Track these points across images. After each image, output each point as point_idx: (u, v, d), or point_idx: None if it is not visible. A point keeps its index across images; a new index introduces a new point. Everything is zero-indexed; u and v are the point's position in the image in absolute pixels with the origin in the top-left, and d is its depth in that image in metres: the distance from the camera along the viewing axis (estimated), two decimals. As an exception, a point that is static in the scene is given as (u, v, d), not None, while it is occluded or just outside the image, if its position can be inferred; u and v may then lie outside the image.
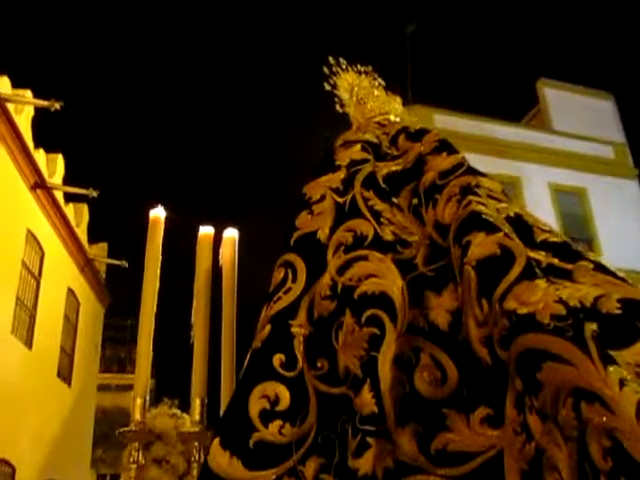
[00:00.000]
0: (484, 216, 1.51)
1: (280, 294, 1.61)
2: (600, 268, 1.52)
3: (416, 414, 1.40)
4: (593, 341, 1.17)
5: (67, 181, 13.55)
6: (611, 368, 1.12)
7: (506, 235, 1.45)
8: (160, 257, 1.94)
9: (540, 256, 1.56)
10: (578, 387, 1.13)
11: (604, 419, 1.06)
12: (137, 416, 1.62)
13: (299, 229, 1.73)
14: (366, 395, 1.39)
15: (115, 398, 14.19)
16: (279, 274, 1.65)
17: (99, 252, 15.63)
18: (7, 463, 10.81)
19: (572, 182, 15.10)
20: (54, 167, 12.97)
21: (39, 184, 12.40)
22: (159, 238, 1.96)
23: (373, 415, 1.37)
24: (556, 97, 16.08)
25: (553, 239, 1.61)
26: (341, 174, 1.81)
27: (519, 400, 1.30)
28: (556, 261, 1.55)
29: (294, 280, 1.63)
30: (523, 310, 1.28)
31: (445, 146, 1.85)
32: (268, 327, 1.56)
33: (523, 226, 1.63)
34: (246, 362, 1.56)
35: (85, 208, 14.99)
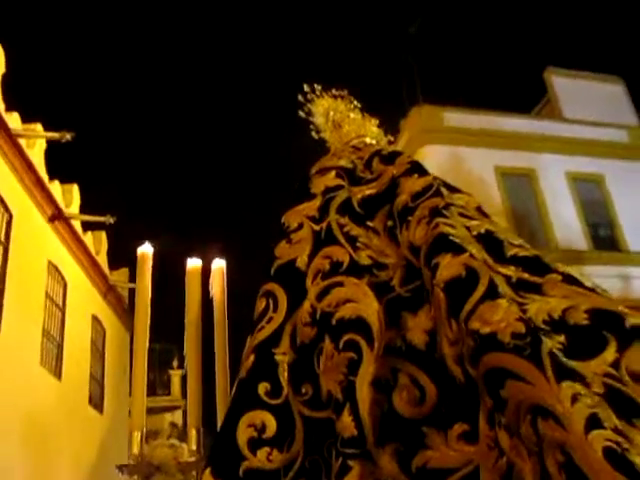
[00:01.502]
0: (451, 237, 1.57)
1: (263, 323, 1.68)
2: (569, 279, 1.57)
3: (396, 434, 1.46)
4: (549, 358, 1.23)
5: (84, 209, 13.81)
6: (564, 384, 1.18)
7: (471, 256, 1.50)
8: (149, 293, 2.03)
9: (510, 271, 1.61)
10: (535, 404, 1.18)
11: (556, 434, 1.11)
12: (135, 450, 1.71)
13: (278, 258, 1.80)
14: (346, 419, 1.45)
15: (148, 421, 14.37)
16: (261, 304, 1.72)
17: (121, 277, 15.87)
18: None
19: (589, 169, 14.96)
20: (70, 197, 13.23)
21: (57, 215, 12.66)
22: (148, 274, 2.05)
23: (353, 438, 1.43)
24: (565, 85, 15.96)
25: (523, 253, 1.67)
26: (317, 202, 1.88)
27: (490, 416, 1.36)
28: (526, 275, 1.60)
29: (275, 309, 1.70)
30: (486, 330, 1.34)
31: (416, 168, 1.91)
32: (252, 357, 1.63)
33: (494, 242, 1.69)
34: (233, 392, 1.63)
35: (103, 235, 15.24)
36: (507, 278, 1.59)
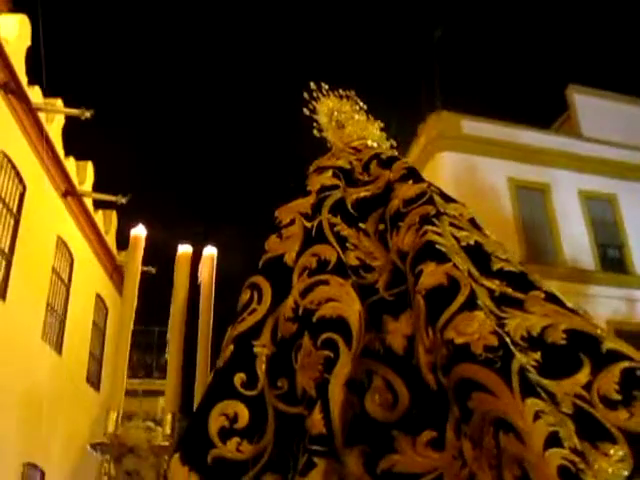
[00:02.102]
0: (437, 246, 1.58)
1: (245, 315, 1.69)
2: (551, 298, 1.58)
3: (365, 435, 1.47)
4: (517, 374, 1.24)
5: (96, 188, 13.90)
6: (529, 401, 1.19)
7: (454, 266, 1.51)
8: (139, 275, 2.06)
9: (494, 285, 1.62)
10: (498, 417, 1.19)
11: (515, 449, 1.12)
12: (110, 429, 1.73)
13: (267, 252, 1.81)
14: (316, 416, 1.46)
15: (143, 403, 14.47)
16: (245, 295, 1.73)
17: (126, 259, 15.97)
18: (37, 467, 11.13)
19: (602, 188, 14.87)
20: (84, 175, 13.34)
21: (69, 191, 12.77)
22: (139, 256, 2.08)
23: (321, 436, 1.44)
24: (586, 103, 15.85)
25: (509, 268, 1.67)
26: (311, 199, 1.89)
27: (457, 426, 1.37)
28: (510, 290, 1.61)
29: (259, 302, 1.71)
30: (460, 340, 1.35)
31: (412, 174, 1.91)
32: (231, 347, 1.64)
33: (481, 254, 1.70)
34: (209, 381, 1.65)
35: (114, 215, 15.35)
36: (490, 291, 1.60)
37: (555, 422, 1.19)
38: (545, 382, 1.37)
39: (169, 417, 1.81)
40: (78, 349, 13.17)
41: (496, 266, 1.67)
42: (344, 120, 2.48)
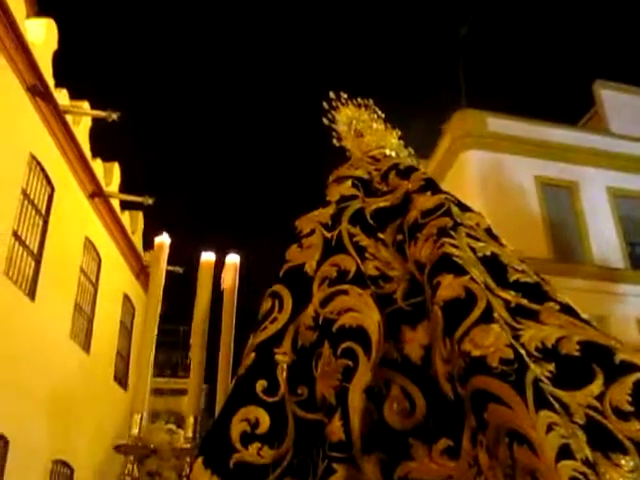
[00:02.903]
0: (454, 259, 1.61)
1: (266, 323, 1.75)
2: (566, 309, 1.61)
3: (382, 443, 1.52)
4: (532, 386, 1.28)
5: (123, 189, 14.11)
6: (542, 413, 1.22)
7: (472, 279, 1.55)
8: (162, 279, 2.13)
9: (510, 296, 1.65)
10: (512, 429, 1.23)
11: (528, 460, 1.16)
12: (134, 431, 1.81)
13: (288, 261, 1.86)
14: (336, 423, 1.51)
15: (168, 402, 14.69)
16: (267, 304, 1.79)
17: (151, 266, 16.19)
18: (66, 465, 11.37)
19: (632, 186, 14.65)
20: (110, 176, 13.57)
21: (96, 193, 12.99)
22: (163, 262, 2.16)
23: (340, 442, 1.49)
24: (613, 99, 15.62)
25: (525, 279, 1.70)
26: (330, 209, 1.94)
27: (473, 435, 1.41)
28: (525, 302, 1.64)
29: (280, 310, 1.77)
30: (476, 353, 1.39)
31: (430, 185, 1.95)
32: (253, 355, 1.70)
33: (498, 266, 1.73)
34: (231, 387, 1.71)
35: (140, 215, 15.57)
36: (506, 302, 1.63)
37: (567, 434, 1.22)
38: (559, 393, 1.40)
39: (191, 420, 1.88)
40: (106, 348, 13.40)
41: (512, 277, 1.70)
42: (363, 129, 2.52)
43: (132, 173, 14.95)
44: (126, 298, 15.13)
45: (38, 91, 9.93)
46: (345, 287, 1.73)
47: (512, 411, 1.28)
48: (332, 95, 2.56)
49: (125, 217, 14.73)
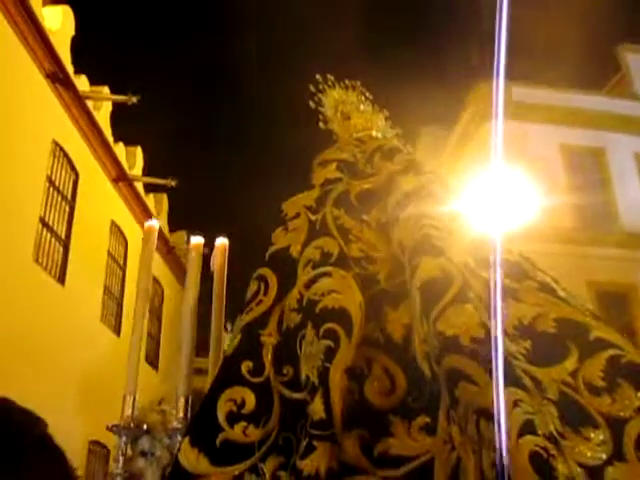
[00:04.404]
0: (433, 240, 1.64)
1: (252, 305, 1.80)
2: (544, 287, 1.62)
3: (363, 420, 1.56)
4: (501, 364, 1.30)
5: (146, 172, 14.27)
6: (508, 390, 1.25)
7: (449, 259, 1.57)
8: (151, 266, 2.19)
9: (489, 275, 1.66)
10: (480, 406, 1.26)
11: (493, 436, 1.19)
12: (127, 412, 1.88)
13: (274, 244, 1.90)
14: (317, 402, 1.56)
15: (195, 381, 15.04)
16: (253, 287, 1.84)
17: (178, 240, 16.41)
18: (102, 445, 11.72)
19: (661, 151, 14.29)
20: (133, 159, 13.72)
21: (120, 177, 13.16)
22: (152, 247, 2.22)
23: (321, 421, 1.54)
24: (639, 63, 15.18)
25: (507, 257, 1.71)
26: (315, 193, 1.97)
27: (448, 412, 1.44)
28: (507, 281, 1.65)
29: (265, 293, 1.81)
30: (449, 332, 1.42)
31: (413, 167, 1.96)
32: (239, 336, 1.75)
33: (481, 246, 1.74)
34: (218, 369, 1.76)
35: (164, 198, 15.74)
36: (485, 281, 1.64)
37: (533, 410, 1.24)
38: (532, 370, 1.42)
39: (182, 401, 1.95)
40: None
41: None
42: (349, 111, 2.52)
43: (155, 156, 15.07)
44: (154, 280, 15.38)
45: (58, 78, 10.05)
46: (328, 269, 1.77)
47: (480, 389, 1.31)
48: (319, 77, 2.57)
49: (150, 200, 14.92)
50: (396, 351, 1.66)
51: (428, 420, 1.50)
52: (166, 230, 15.87)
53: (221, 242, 2.32)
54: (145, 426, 1.89)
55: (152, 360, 14.73)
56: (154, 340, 15.06)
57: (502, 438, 1.17)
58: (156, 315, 15.45)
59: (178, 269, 16.74)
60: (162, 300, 15.89)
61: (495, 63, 0.94)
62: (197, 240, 2.28)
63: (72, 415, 10.04)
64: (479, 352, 1.35)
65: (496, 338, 1.38)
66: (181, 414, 1.92)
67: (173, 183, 13.85)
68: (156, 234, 2.27)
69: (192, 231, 2.28)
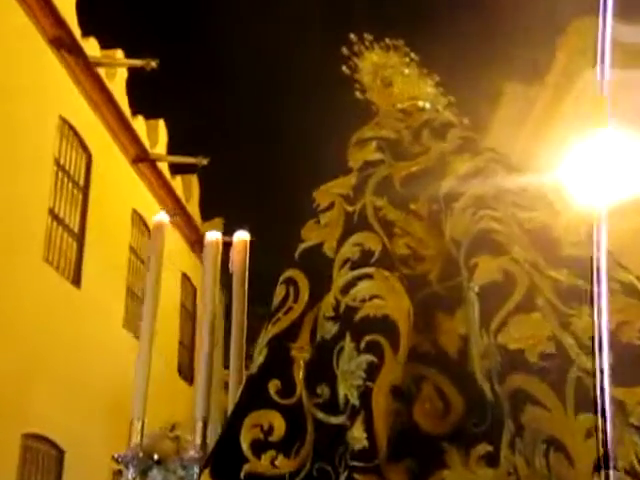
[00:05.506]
0: (493, 235, 1.65)
1: (280, 315, 1.85)
2: (628, 290, 1.61)
3: (412, 449, 1.60)
4: (574, 385, 1.32)
5: (172, 150, 14.42)
6: (582, 417, 1.27)
7: (512, 259, 1.59)
8: (162, 263, 2.28)
9: (562, 275, 1.67)
10: (550, 435, 1.30)
11: (563, 470, 1.22)
12: (134, 439, 1.97)
13: (304, 241, 1.95)
14: (358, 428, 1.61)
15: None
16: (280, 292, 1.89)
17: (214, 229, 16.61)
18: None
19: None
20: (155, 136, 13.91)
21: (141, 156, 13.36)
22: (162, 243, 2.30)
23: (364, 450, 1.59)
24: None
25: (579, 253, 1.71)
26: (352, 179, 2.00)
27: (512, 440, 1.47)
28: (581, 282, 1.65)
29: (296, 299, 1.87)
30: (513, 346, 1.45)
31: (469, 146, 1.97)
32: (265, 351, 1.81)
33: (548, 239, 1.75)
34: (241, 389, 1.83)
35: (194, 179, 15.96)
36: (557, 284, 1.65)
37: (613, 440, 1.26)
38: (614, 389, 1.43)
39: (200, 425, 2.02)
40: (166, 337, 13.93)
41: (566, 251, 1.72)
42: (391, 77, 2.52)
43: (182, 130, 15.26)
44: (185, 277, 15.66)
45: (63, 43, 10.31)
46: (369, 270, 1.81)
47: (550, 414, 1.34)
48: (353, 38, 2.57)
49: (177, 183, 15.14)
50: (451, 367, 1.69)
51: (489, 449, 1.53)
52: (197, 218, 16.11)
53: (241, 237, 2.37)
54: (156, 456, 1.97)
55: (185, 373, 15.05)
56: (186, 349, 15.37)
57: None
58: (189, 319, 15.74)
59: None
60: (194, 302, 16.18)
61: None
62: (213, 236, 2.34)
63: (97, 437, 10.31)
64: (549, 371, 1.37)
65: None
66: (198, 441, 2.00)
67: (205, 162, 13.94)
68: (165, 231, 2.35)
69: (228, 219, 2.35)
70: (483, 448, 1.55)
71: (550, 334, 1.44)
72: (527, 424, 1.38)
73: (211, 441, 2.00)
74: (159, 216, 2.40)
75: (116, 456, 1.97)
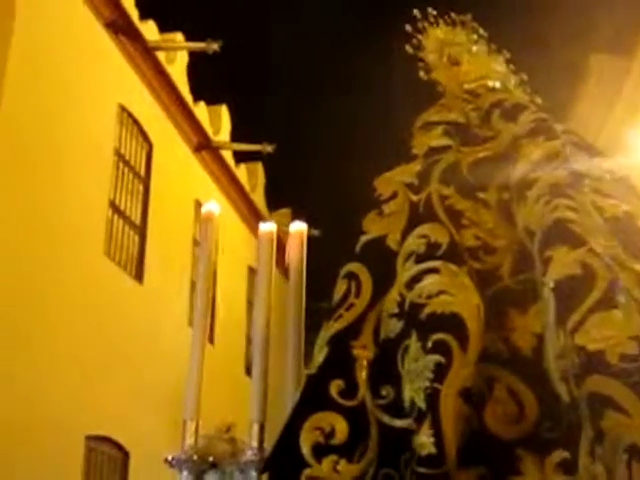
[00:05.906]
0: (570, 225, 1.64)
1: (341, 311, 1.88)
2: None
3: (483, 455, 1.61)
4: None
5: (236, 137, 14.60)
6: None
7: (591, 251, 1.57)
8: (213, 255, 2.31)
9: None
10: (633, 443, 1.28)
11: None
12: (188, 441, 2.02)
13: (366, 233, 1.96)
14: (426, 432, 1.62)
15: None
16: (341, 287, 1.91)
17: (282, 220, 16.79)
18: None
19: None
20: (218, 122, 14.14)
21: (204, 144, 13.58)
22: (213, 234, 2.34)
23: (431, 456, 1.60)
24: None
25: None
26: (417, 165, 2.00)
27: (591, 447, 1.46)
28: None
29: (358, 294, 1.89)
30: (592, 346, 1.44)
31: (543, 129, 1.95)
32: (326, 349, 1.84)
33: (632, 228, 1.72)
34: (300, 389, 1.86)
35: (260, 168, 16.14)
36: None
37: None
38: None
39: (256, 428, 2.06)
40: (233, 335, 14.14)
41: None
42: (458, 55, 2.50)
43: (246, 116, 15.44)
44: (252, 271, 15.86)
45: (120, 27, 10.56)
46: (436, 264, 1.81)
47: (632, 420, 1.32)
48: (417, 14, 2.56)
49: (241, 171, 15.34)
50: (525, 368, 1.68)
51: (566, 456, 1.53)
52: (263, 208, 16.29)
53: (298, 228, 2.39)
54: (211, 458, 2.02)
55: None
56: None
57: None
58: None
59: (280, 256, 17.17)
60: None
61: None
62: (268, 227, 2.36)
63: (162, 437, 10.55)
64: (631, 373, 1.36)
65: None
66: (255, 443, 2.04)
67: (270, 149, 14.08)
68: (216, 221, 2.37)
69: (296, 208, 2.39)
70: (559, 455, 1.54)
71: (632, 334, 1.42)
72: (607, 431, 1.37)
73: (268, 444, 2.04)
74: (208, 205, 2.41)
75: (169, 458, 2.03)
